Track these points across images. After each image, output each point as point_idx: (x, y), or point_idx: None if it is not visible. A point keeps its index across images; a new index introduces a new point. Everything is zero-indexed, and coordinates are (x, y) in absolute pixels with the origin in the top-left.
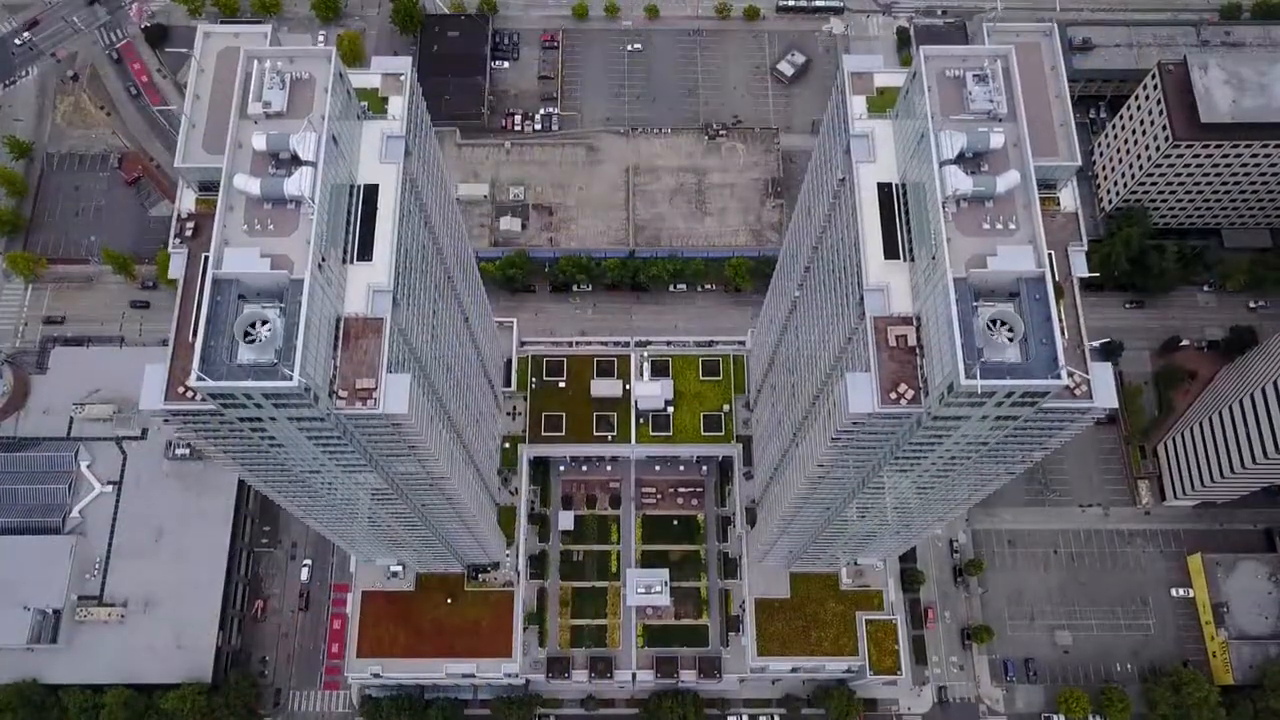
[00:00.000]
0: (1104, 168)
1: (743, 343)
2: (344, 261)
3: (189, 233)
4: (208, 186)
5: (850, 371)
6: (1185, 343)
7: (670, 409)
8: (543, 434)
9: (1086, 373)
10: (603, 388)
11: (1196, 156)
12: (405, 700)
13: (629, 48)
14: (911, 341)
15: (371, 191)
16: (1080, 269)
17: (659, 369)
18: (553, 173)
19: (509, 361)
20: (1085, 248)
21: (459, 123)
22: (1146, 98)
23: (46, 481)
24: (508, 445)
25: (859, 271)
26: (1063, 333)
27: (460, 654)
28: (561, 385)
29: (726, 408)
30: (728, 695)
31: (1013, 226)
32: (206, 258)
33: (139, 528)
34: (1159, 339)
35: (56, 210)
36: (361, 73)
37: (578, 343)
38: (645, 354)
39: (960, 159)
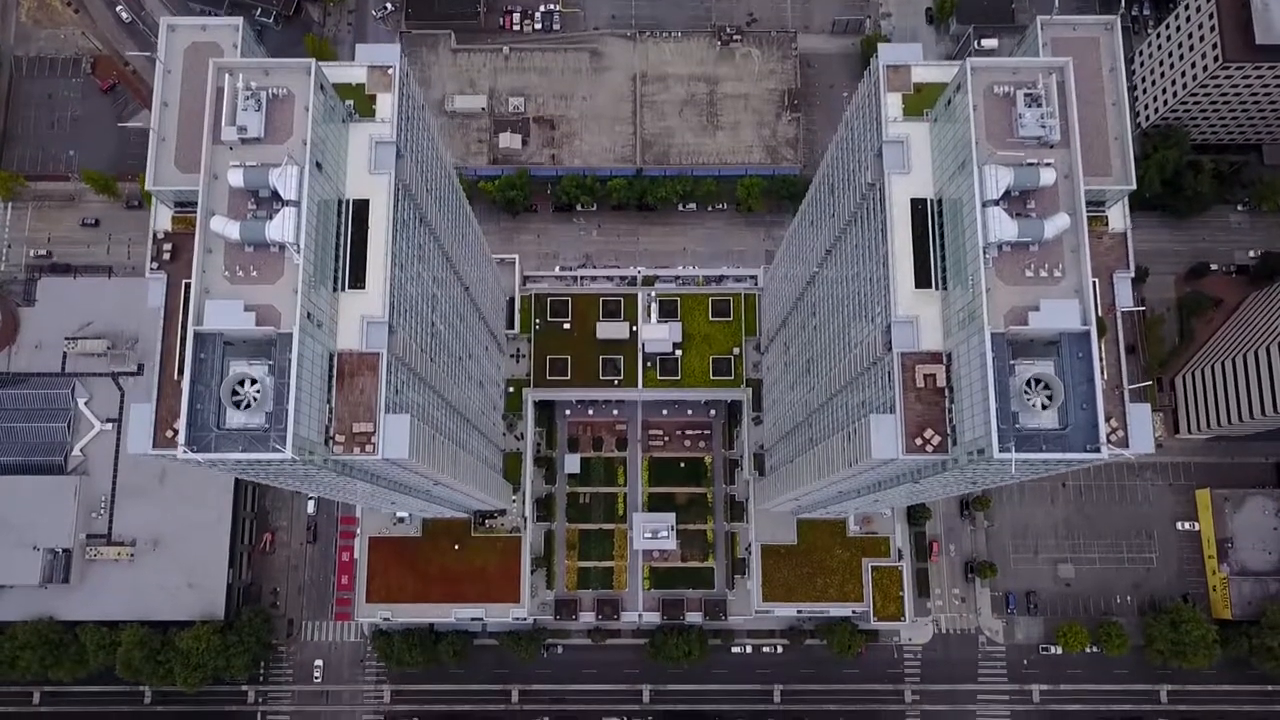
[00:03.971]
0: (1144, 79)
1: (755, 278)
2: (335, 290)
3: (167, 256)
4: (184, 203)
5: (874, 413)
6: (1214, 267)
7: (678, 352)
8: (548, 378)
9: (1124, 420)
10: (609, 330)
11: (1246, 78)
12: (415, 634)
13: None
14: (940, 382)
15: (361, 208)
16: (1125, 300)
17: (667, 310)
18: (554, 81)
19: (511, 300)
20: (1132, 273)
21: (454, 23)
22: (1197, 9)
23: (45, 419)
24: (512, 390)
25: (886, 295)
26: (1102, 373)
27: (468, 599)
28: (566, 327)
29: (736, 350)
30: (732, 627)
31: (1058, 274)
32: (188, 286)
33: (142, 466)
34: (1186, 263)
35: (30, 121)
36: (344, 66)
37: (582, 278)
38: (653, 294)
39: (1005, 196)
